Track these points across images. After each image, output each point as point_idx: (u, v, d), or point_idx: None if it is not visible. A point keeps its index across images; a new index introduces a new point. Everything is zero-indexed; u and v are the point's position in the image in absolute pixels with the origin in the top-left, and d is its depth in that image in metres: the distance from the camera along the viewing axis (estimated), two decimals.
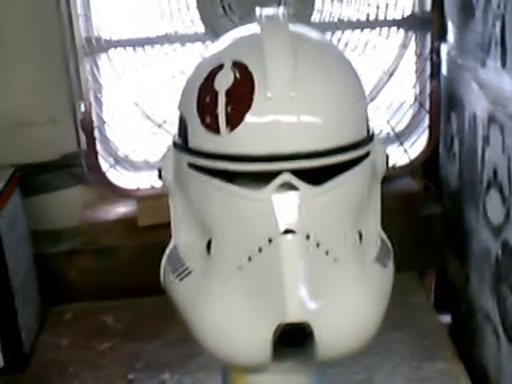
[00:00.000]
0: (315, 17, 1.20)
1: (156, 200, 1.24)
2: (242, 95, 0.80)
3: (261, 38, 0.82)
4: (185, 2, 1.15)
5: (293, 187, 0.80)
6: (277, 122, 0.80)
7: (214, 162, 0.81)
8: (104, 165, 1.23)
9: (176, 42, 1.16)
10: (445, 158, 1.33)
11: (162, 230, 1.20)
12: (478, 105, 1.13)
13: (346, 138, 0.82)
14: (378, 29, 1.22)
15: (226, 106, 0.80)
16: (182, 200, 0.89)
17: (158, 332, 1.20)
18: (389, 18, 1.22)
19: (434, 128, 1.29)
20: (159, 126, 1.21)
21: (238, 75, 0.81)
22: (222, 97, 0.81)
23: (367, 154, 0.84)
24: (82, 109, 1.18)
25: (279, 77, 0.80)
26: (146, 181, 1.25)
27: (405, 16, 1.24)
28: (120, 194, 1.26)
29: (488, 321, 1.11)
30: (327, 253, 0.81)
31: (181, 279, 0.87)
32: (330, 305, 0.80)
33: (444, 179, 1.35)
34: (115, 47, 1.16)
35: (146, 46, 1.16)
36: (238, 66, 0.82)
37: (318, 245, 0.80)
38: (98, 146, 1.21)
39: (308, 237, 0.79)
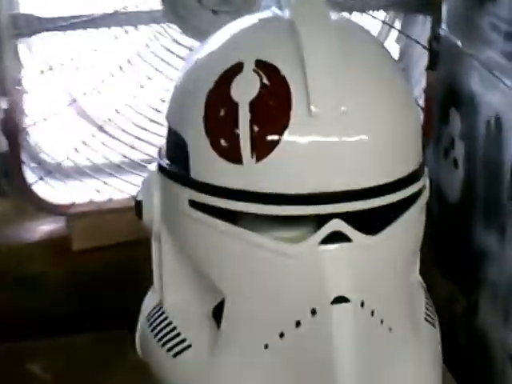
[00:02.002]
0: None
1: (94, 218, 1.00)
2: (275, 109, 0.59)
3: (295, 28, 0.60)
4: None
5: (341, 237, 0.59)
6: (326, 148, 0.59)
7: (233, 202, 0.60)
8: (30, 175, 0.98)
9: (125, 24, 0.91)
10: (438, 163, 1.13)
11: (100, 254, 1.01)
12: (506, 107, 0.92)
13: (409, 167, 0.63)
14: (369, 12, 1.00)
15: (252, 124, 0.59)
16: (173, 246, 0.67)
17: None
18: None
19: (429, 128, 1.08)
20: (100, 127, 0.96)
21: (266, 80, 0.60)
22: (244, 111, 0.59)
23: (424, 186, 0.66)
24: (4, 105, 0.92)
25: (326, 84, 0.58)
26: (82, 194, 1.00)
27: None
28: (49, 211, 1.00)
29: None
30: (382, 322, 0.63)
31: (175, 355, 0.66)
32: None
33: (435, 189, 1.15)
34: (49, 29, 0.89)
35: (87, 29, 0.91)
36: (265, 67, 0.60)
37: (372, 313, 0.62)
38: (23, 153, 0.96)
39: (363, 304, 0.61)
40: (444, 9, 1.04)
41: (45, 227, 1.05)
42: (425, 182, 0.66)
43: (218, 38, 0.66)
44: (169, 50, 0.93)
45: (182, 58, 0.94)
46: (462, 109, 1.05)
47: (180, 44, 0.93)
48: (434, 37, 1.04)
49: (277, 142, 0.59)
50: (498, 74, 0.95)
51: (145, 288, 0.98)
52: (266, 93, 0.60)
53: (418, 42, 1.04)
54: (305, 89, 0.59)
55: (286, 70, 0.60)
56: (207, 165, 0.62)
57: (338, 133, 0.59)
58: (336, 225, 0.60)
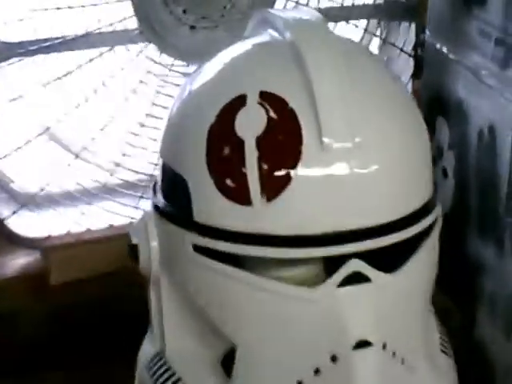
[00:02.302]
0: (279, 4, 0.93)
1: (72, 249, 0.94)
2: (285, 145, 0.55)
3: (299, 54, 0.56)
4: None
5: (359, 277, 0.56)
6: (341, 183, 0.55)
7: (243, 247, 0.55)
8: (2, 209, 0.92)
9: (99, 45, 0.85)
10: None
11: (80, 287, 0.95)
12: (499, 115, 0.88)
13: (425, 196, 0.60)
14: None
15: (260, 161, 0.55)
16: (174, 291, 0.62)
17: None
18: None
19: None
20: (76, 156, 0.90)
21: (272, 113, 0.55)
22: (251, 148, 0.55)
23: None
24: None
25: (338, 115, 0.55)
26: (58, 225, 0.94)
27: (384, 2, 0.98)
28: (24, 244, 0.94)
29: None
30: (403, 361, 0.59)
31: None
32: None
33: None
34: (19, 54, 0.83)
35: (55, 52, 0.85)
36: (271, 99, 0.56)
37: (394, 354, 0.58)
38: None
39: (385, 346, 0.57)
40: (428, 14, 1.01)
41: (20, 261, 0.97)
42: (439, 210, 0.63)
43: (215, 67, 0.61)
44: (147, 70, 0.88)
45: (160, 77, 0.89)
46: (450, 117, 1.00)
47: (158, 63, 0.88)
48: (419, 44, 1.01)
49: (288, 180, 0.54)
50: (489, 82, 0.91)
51: (128, 320, 0.94)
52: (273, 127, 0.55)
53: (402, 50, 1.01)
54: (316, 121, 0.54)
55: (293, 102, 0.55)
56: (212, 207, 0.57)
57: (353, 166, 0.55)
58: (355, 265, 0.56)
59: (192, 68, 0.90)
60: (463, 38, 0.96)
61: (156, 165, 0.92)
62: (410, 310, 0.60)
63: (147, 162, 0.92)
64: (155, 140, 0.91)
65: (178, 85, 0.89)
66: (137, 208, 0.92)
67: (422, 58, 1.01)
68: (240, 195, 0.55)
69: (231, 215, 0.56)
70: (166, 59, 0.88)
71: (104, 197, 0.94)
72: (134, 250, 0.63)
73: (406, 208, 0.58)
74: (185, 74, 0.90)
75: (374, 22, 1.00)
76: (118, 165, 0.91)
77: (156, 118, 0.89)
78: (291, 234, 0.55)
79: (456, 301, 1.03)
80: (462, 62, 0.96)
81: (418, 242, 0.60)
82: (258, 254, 0.56)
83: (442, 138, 1.03)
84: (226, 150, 0.56)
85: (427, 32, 1.02)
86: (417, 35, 1.00)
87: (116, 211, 0.93)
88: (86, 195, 0.94)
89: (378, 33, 1.02)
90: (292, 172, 0.55)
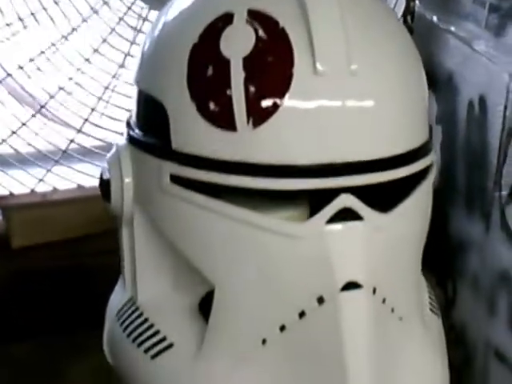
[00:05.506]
0: None
1: (37, 210, 0.89)
2: (275, 66, 0.51)
3: None
4: None
5: (350, 215, 0.53)
6: (333, 112, 0.51)
7: (225, 176, 0.52)
8: None
9: None
10: None
11: (44, 252, 0.91)
12: (491, 85, 0.84)
13: (421, 137, 0.58)
14: None
15: (246, 83, 0.51)
16: (148, 230, 0.58)
17: None
18: None
19: None
20: (41, 107, 0.85)
21: (262, 33, 0.51)
22: (237, 68, 0.51)
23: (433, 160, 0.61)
24: None
25: (334, 38, 0.51)
26: (21, 183, 0.88)
27: None
28: None
29: (499, 359, 0.84)
30: (393, 310, 0.56)
31: (154, 356, 0.57)
32: None
33: None
34: None
35: None
36: (260, 18, 0.52)
37: (384, 301, 0.55)
38: None
39: (374, 291, 0.54)
40: None
41: None
42: (434, 156, 0.60)
43: None
44: (119, 18, 0.83)
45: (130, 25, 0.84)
46: (438, 90, 0.96)
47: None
48: (409, 12, 0.96)
49: (277, 105, 0.51)
50: (482, 50, 0.87)
51: (95, 288, 0.89)
52: (262, 47, 0.51)
53: None
54: (309, 43, 0.51)
55: (285, 21, 0.52)
56: (193, 133, 0.53)
57: (347, 95, 0.51)
58: (345, 200, 0.52)
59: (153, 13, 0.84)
60: (455, 6, 0.92)
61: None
62: (402, 257, 0.57)
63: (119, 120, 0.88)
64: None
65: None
66: None
67: (412, 28, 0.97)
68: (224, 120, 0.51)
69: (213, 142, 0.52)
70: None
71: (73, 156, 0.89)
72: (105, 186, 0.59)
73: (401, 146, 0.55)
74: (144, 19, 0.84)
75: None
76: (87, 120, 0.87)
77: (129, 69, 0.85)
78: (277, 163, 0.51)
79: (439, 279, 0.99)
80: (453, 31, 0.92)
81: (413, 185, 0.57)
82: (240, 184, 0.52)
83: (430, 112, 0.98)
84: (210, 71, 0.52)
85: (417, 1, 0.98)
86: (407, 3, 0.96)
87: (87, 172, 0.88)
88: (53, 154, 0.89)
89: None
90: (282, 96, 0.51)
